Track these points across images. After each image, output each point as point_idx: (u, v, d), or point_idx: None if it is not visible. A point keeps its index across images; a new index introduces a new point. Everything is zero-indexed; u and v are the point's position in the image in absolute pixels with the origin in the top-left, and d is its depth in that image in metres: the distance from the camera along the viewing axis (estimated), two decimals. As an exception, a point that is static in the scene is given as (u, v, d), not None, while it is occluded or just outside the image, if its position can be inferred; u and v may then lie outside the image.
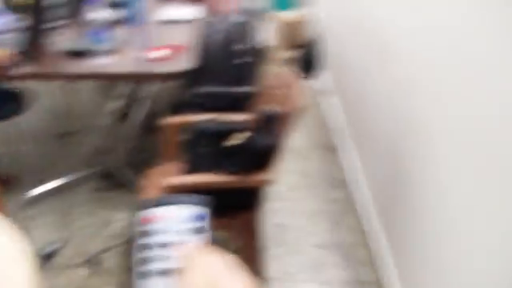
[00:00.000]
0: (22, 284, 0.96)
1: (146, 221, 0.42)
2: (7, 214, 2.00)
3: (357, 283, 2.25)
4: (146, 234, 0.41)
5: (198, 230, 0.41)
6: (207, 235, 0.42)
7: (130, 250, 2.43)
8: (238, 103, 2.39)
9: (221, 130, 1.85)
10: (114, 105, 2.90)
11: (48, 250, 2.38)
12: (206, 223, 0.42)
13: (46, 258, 2.34)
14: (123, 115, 3.58)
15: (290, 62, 2.89)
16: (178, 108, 2.64)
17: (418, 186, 1.91)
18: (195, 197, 0.43)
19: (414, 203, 1.96)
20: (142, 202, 0.43)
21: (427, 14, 1.81)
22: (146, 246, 0.41)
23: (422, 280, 1.84)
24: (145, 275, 0.40)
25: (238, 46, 2.32)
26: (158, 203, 0.42)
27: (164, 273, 0.40)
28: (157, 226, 0.41)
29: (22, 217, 2.64)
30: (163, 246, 0.41)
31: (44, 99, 3.62)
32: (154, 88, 3.93)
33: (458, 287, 1.53)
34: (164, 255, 0.40)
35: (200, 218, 0.42)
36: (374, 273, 2.31)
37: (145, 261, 0.40)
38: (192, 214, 0.42)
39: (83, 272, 2.29)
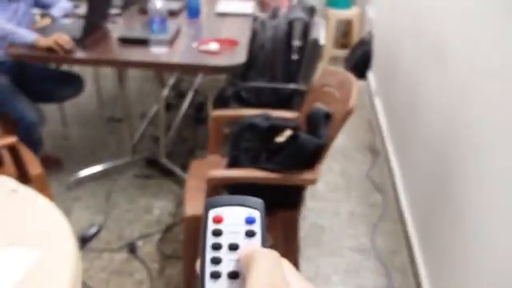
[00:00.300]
0: (63, 266, 1.00)
1: (218, 220, 0.42)
2: (51, 196, 2.07)
3: (391, 290, 2.23)
4: (217, 233, 0.41)
5: (252, 233, 0.42)
6: (261, 238, 0.42)
7: (166, 238, 2.47)
8: (285, 100, 2.41)
9: (269, 126, 1.85)
10: (162, 94, 2.95)
11: (88, 232, 2.44)
12: (258, 226, 0.42)
13: (85, 240, 2.40)
14: (168, 105, 3.65)
15: (342, 61, 2.88)
16: (223, 101, 2.67)
17: (459, 198, 1.87)
18: (252, 199, 0.43)
19: (453, 214, 1.92)
20: (212, 199, 0.44)
21: (486, 17, 1.77)
22: (218, 246, 0.41)
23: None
24: (216, 276, 0.40)
25: (294, 43, 2.32)
26: (226, 202, 0.43)
27: (233, 275, 0.40)
28: (226, 226, 0.42)
29: (64, 198, 2.72)
30: (233, 247, 0.41)
31: (92, 84, 3.72)
32: (199, 80, 3.98)
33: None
34: (233, 257, 0.41)
35: (254, 220, 0.42)
36: (408, 281, 2.29)
37: (217, 261, 0.41)
38: (248, 217, 0.42)
39: (120, 256, 2.34)
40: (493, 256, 1.55)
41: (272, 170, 1.79)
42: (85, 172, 2.90)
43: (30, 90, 2.63)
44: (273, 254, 0.40)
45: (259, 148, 1.89)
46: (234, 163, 1.94)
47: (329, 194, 2.90)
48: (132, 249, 2.36)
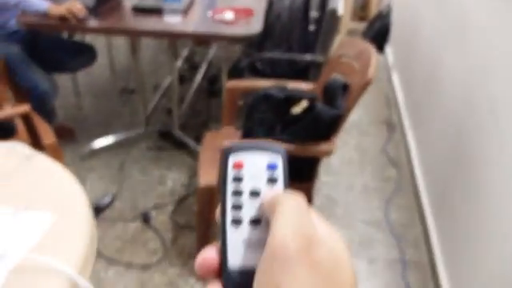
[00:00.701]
0: (79, 231, 0.99)
1: (238, 166, 0.40)
2: (64, 164, 2.07)
3: (403, 262, 2.22)
4: (238, 179, 0.40)
5: (274, 179, 0.40)
6: (283, 185, 0.40)
7: (179, 209, 2.48)
8: (301, 72, 2.37)
9: (285, 97, 1.82)
10: (175, 66, 2.92)
11: (101, 202, 2.45)
12: (280, 173, 0.40)
13: (99, 210, 2.41)
14: (182, 77, 3.62)
15: (359, 34, 2.81)
16: (238, 73, 2.64)
17: (474, 173, 1.84)
18: (274, 145, 0.41)
19: (468, 189, 1.90)
20: (231, 145, 0.42)
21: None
22: (239, 193, 0.40)
23: (468, 267, 1.79)
24: (237, 222, 0.39)
25: (311, 13, 2.27)
26: (246, 148, 0.41)
27: (255, 221, 0.39)
28: (247, 172, 0.40)
29: (77, 169, 2.73)
30: (254, 193, 0.39)
31: (105, 54, 3.69)
32: (213, 52, 3.94)
33: (505, 280, 1.49)
34: (254, 203, 0.39)
35: (276, 166, 0.40)
36: (421, 254, 2.28)
37: (238, 207, 0.39)
38: (270, 163, 0.40)
39: (134, 226, 2.35)
40: (506, 229, 1.52)
41: (287, 141, 1.76)
42: (98, 143, 2.90)
43: (42, 59, 2.61)
44: (299, 198, 0.38)
45: (274, 119, 1.86)
46: (248, 135, 1.92)
47: (343, 168, 2.88)
48: (146, 219, 2.37)
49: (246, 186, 0.40)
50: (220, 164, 0.41)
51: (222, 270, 0.38)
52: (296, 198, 0.37)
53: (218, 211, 0.40)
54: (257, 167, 0.40)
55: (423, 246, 2.32)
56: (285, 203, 0.37)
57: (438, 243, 2.19)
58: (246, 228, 0.39)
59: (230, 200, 0.40)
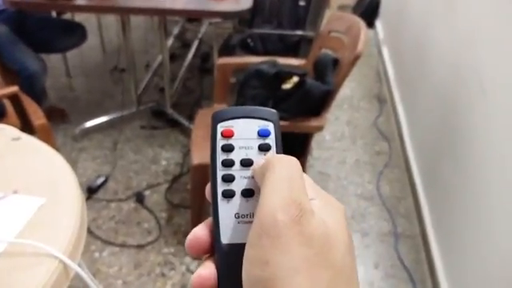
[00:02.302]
0: (69, 214, 1.00)
1: (228, 134, 0.37)
2: (55, 146, 2.06)
3: (395, 235, 2.25)
4: (227, 148, 0.37)
5: (266, 147, 0.38)
6: (276, 152, 0.39)
7: (173, 188, 2.49)
8: (292, 47, 2.35)
9: (276, 73, 1.82)
10: (166, 44, 2.90)
11: (95, 182, 2.45)
12: (272, 139, 0.38)
13: (92, 191, 2.42)
14: (173, 55, 3.60)
15: (349, 9, 2.80)
16: (229, 50, 2.62)
17: (463, 145, 1.86)
18: (265, 109, 0.39)
19: (458, 161, 1.91)
20: (220, 111, 0.39)
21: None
22: (229, 163, 0.37)
23: (458, 238, 1.82)
24: (228, 195, 0.36)
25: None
26: (235, 114, 0.38)
27: (248, 193, 0.36)
28: (237, 141, 0.38)
29: (70, 149, 2.73)
30: (246, 163, 0.37)
31: (96, 34, 3.66)
32: (204, 29, 3.91)
33: (494, 252, 1.51)
34: (246, 174, 0.37)
35: (268, 133, 0.38)
36: (413, 226, 2.31)
37: (228, 179, 0.37)
38: (261, 129, 0.38)
39: (127, 206, 2.36)
40: (494, 200, 1.54)
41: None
42: (90, 123, 2.89)
43: (31, 39, 2.58)
44: (292, 161, 0.34)
45: (266, 95, 1.86)
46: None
47: (335, 143, 2.89)
48: (139, 198, 2.38)
49: (237, 156, 0.37)
50: (210, 133, 0.39)
51: (214, 247, 0.36)
52: (288, 162, 0.34)
53: (208, 186, 0.37)
54: (247, 135, 0.38)
55: (415, 218, 2.35)
56: (275, 168, 0.33)
57: (428, 215, 2.22)
58: (238, 201, 0.36)
59: (220, 172, 0.37)
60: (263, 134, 0.38)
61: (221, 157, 0.37)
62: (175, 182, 2.52)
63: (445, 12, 2.29)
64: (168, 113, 2.97)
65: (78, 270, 0.88)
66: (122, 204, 2.37)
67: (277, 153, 0.38)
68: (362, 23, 1.79)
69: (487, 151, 1.65)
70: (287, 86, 1.78)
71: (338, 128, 3.02)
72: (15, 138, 1.21)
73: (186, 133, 2.82)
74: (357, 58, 1.66)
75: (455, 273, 1.84)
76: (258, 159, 0.37)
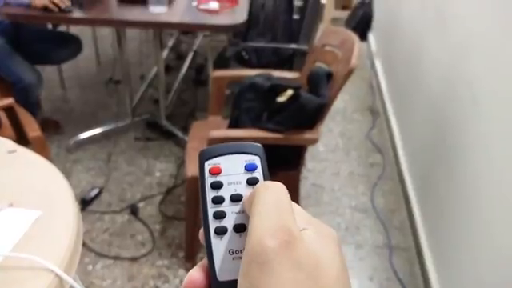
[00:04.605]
0: (64, 227, 1.00)
1: (215, 171, 0.38)
2: (50, 158, 2.05)
3: (389, 248, 2.26)
4: (216, 185, 0.37)
5: (254, 180, 0.38)
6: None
7: (167, 200, 2.49)
8: (286, 60, 2.37)
9: (270, 86, 1.83)
10: (161, 56, 2.91)
11: (88, 194, 2.45)
12: (260, 173, 0.40)
13: (86, 203, 2.41)
14: (168, 67, 3.61)
15: (342, 22, 2.83)
16: (224, 62, 2.64)
17: (456, 157, 1.87)
18: (250, 144, 0.41)
19: (450, 173, 1.93)
20: (206, 150, 0.40)
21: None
22: (219, 200, 0.37)
23: (453, 250, 1.83)
24: (221, 232, 0.36)
25: (295, 2, 2.27)
26: (221, 151, 0.40)
27: (239, 228, 0.36)
28: (225, 177, 0.38)
29: (64, 161, 2.72)
30: (235, 198, 0.37)
31: (91, 46, 3.67)
32: (199, 41, 3.93)
33: (487, 264, 1.52)
34: (236, 209, 0.37)
35: (255, 167, 0.38)
36: (407, 239, 2.32)
37: (220, 216, 0.37)
38: (248, 164, 0.38)
39: (121, 218, 2.35)
40: (488, 213, 1.55)
41: (273, 130, 1.77)
42: (85, 134, 2.89)
43: (26, 51, 2.59)
44: (279, 187, 0.34)
45: (261, 108, 1.87)
46: (235, 124, 1.93)
47: (329, 155, 2.90)
48: (133, 210, 2.38)
49: (226, 192, 0.37)
50: (198, 171, 0.39)
51: (211, 286, 0.36)
52: (275, 189, 0.34)
53: (201, 231, 0.37)
54: (235, 170, 0.38)
55: (409, 230, 2.36)
56: (262, 195, 0.33)
57: (422, 228, 2.23)
58: (231, 237, 0.36)
59: (210, 209, 0.37)
60: (250, 168, 0.39)
61: (210, 194, 0.38)
62: (169, 194, 2.52)
63: (436, 24, 2.32)
64: (162, 124, 2.98)
65: (75, 284, 0.88)
66: (116, 216, 2.36)
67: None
68: (355, 37, 1.81)
69: (480, 163, 1.67)
70: (282, 98, 1.79)
71: (332, 140, 3.03)
72: (11, 150, 1.21)
73: (181, 144, 2.83)
74: (351, 71, 1.68)
75: (449, 285, 1.85)
76: (247, 193, 0.37)
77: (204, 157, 0.39)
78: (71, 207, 1.06)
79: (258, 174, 0.39)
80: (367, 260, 2.19)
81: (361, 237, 2.32)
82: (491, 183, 1.57)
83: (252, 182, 0.38)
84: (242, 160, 0.39)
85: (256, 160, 0.39)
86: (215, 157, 0.39)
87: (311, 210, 2.45)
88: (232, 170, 0.38)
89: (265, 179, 0.38)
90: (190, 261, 2.09)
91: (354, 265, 2.16)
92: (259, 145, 0.40)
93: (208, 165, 0.38)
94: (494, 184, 1.54)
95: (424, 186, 2.33)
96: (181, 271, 2.07)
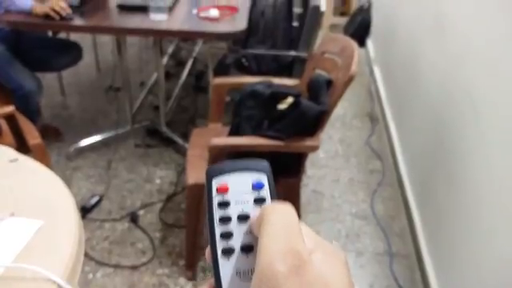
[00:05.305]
0: (67, 236, 1.00)
1: (222, 189, 0.38)
2: (50, 166, 2.05)
3: (390, 255, 2.25)
4: (223, 204, 0.37)
5: (261, 200, 0.38)
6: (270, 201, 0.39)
7: (167, 207, 2.48)
8: (286, 67, 2.38)
9: (271, 93, 1.84)
10: (161, 62, 2.92)
11: (89, 202, 2.44)
12: (267, 191, 0.39)
13: (86, 210, 2.40)
14: (168, 74, 3.62)
15: (341, 28, 2.84)
16: (224, 69, 2.64)
17: (455, 163, 1.88)
18: (257, 162, 0.40)
19: (450, 178, 1.93)
20: (213, 167, 0.40)
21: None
22: (226, 219, 0.37)
23: (453, 257, 1.83)
24: (228, 252, 0.36)
25: (295, 10, 2.28)
26: (228, 169, 0.40)
27: (247, 249, 0.36)
28: (233, 196, 0.38)
29: (64, 168, 2.72)
30: (242, 218, 0.37)
31: (91, 53, 3.67)
32: (198, 48, 3.94)
33: (488, 270, 1.52)
34: (244, 229, 0.37)
35: (261, 185, 0.39)
36: (407, 245, 2.31)
37: (227, 235, 0.36)
38: (255, 182, 0.38)
39: (122, 226, 2.35)
40: (488, 219, 1.56)
41: (274, 137, 1.77)
42: (85, 142, 2.89)
43: (26, 58, 2.59)
44: (287, 209, 0.34)
45: (261, 116, 1.87)
46: (235, 131, 1.93)
47: (329, 162, 2.90)
48: (134, 218, 2.37)
49: (234, 211, 0.37)
50: (206, 189, 0.39)
51: None
52: (283, 211, 0.34)
53: (207, 250, 0.37)
54: (242, 189, 0.38)
55: (409, 237, 2.36)
56: (271, 217, 0.33)
57: (423, 234, 2.23)
58: (238, 258, 0.36)
59: (218, 229, 0.37)
60: (257, 186, 0.38)
61: (218, 213, 0.37)
62: (169, 202, 2.52)
63: (434, 31, 2.33)
64: (162, 131, 2.98)
65: (76, 294, 0.88)
66: (116, 224, 2.36)
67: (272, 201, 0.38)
68: (354, 44, 1.82)
69: (480, 169, 1.67)
70: (282, 106, 1.79)
71: (332, 146, 3.04)
72: (12, 159, 1.21)
73: (181, 151, 2.83)
74: (351, 79, 1.68)
75: (450, 292, 1.85)
76: (255, 213, 0.36)
77: (211, 174, 0.38)
78: (73, 216, 1.06)
79: (266, 192, 0.38)
80: (368, 267, 2.19)
81: (361, 244, 2.32)
82: (491, 189, 1.57)
83: (259, 201, 0.38)
84: (249, 178, 0.38)
85: (263, 178, 0.39)
86: (222, 174, 0.38)
87: (311, 217, 2.45)
88: (239, 188, 0.38)
89: (272, 197, 0.38)
90: (190, 269, 2.08)
91: (355, 272, 2.16)
92: (266, 163, 0.39)
93: (215, 183, 0.38)
94: (494, 190, 1.55)
95: (423, 193, 2.33)
96: (181, 280, 2.07)
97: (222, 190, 0.38)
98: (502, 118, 1.53)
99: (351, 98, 3.53)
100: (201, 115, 3.21)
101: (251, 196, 0.38)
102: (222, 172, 0.39)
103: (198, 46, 3.95)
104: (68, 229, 1.01)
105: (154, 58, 3.03)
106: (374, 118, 3.37)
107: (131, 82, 3.08)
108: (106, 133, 2.96)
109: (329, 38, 2.08)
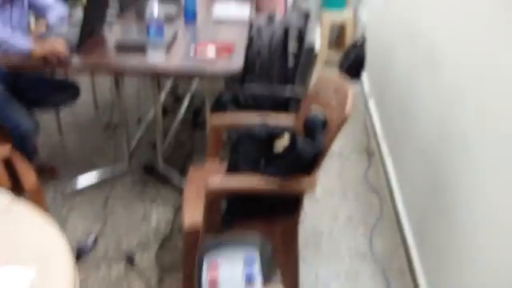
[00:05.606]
0: (60, 279, 0.99)
1: (213, 268, 0.39)
2: (45, 206, 2.04)
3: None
4: (214, 284, 0.38)
5: (253, 277, 0.39)
6: (262, 279, 0.39)
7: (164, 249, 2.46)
8: (282, 104, 2.40)
9: (267, 135, 1.85)
10: (159, 99, 2.94)
11: (84, 244, 2.41)
12: (258, 266, 0.39)
13: (82, 253, 2.38)
14: (165, 110, 3.64)
15: (336, 63, 2.88)
16: (221, 106, 2.66)
17: (452, 198, 1.88)
18: (249, 237, 0.40)
19: (446, 216, 1.93)
20: (204, 245, 0.40)
21: (477, 21, 1.77)
22: None
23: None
24: None
25: (290, 50, 2.32)
26: (218, 246, 0.40)
27: None
28: (223, 275, 0.39)
29: (60, 207, 2.70)
30: None
31: (89, 90, 3.70)
32: (196, 84, 3.97)
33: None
34: None
35: (253, 261, 0.39)
36: (406, 284, 2.29)
37: None
38: (247, 258, 0.39)
39: (117, 267, 2.32)
40: (487, 256, 1.55)
41: (271, 175, 1.77)
42: (81, 179, 2.89)
43: (23, 96, 2.60)
44: None
45: (258, 155, 1.89)
46: (233, 169, 1.93)
47: (326, 197, 2.89)
48: (130, 260, 2.34)
49: None
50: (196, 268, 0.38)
51: None
52: None
53: None
54: (233, 267, 0.37)
55: (408, 275, 2.33)
56: None
57: (421, 272, 2.21)
58: None
59: None
60: (248, 262, 0.38)
61: None
62: (166, 241, 2.50)
63: (428, 65, 2.36)
64: (160, 168, 2.98)
65: None
66: (112, 266, 2.33)
67: (263, 278, 0.37)
68: (348, 86, 1.84)
69: (474, 207, 1.67)
70: (279, 146, 1.81)
71: (329, 182, 3.03)
72: (5, 208, 1.21)
73: (178, 189, 2.82)
74: (344, 121, 1.70)
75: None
76: None
77: (203, 252, 0.38)
78: (67, 263, 1.05)
79: (256, 269, 0.37)
80: (367, 307, 2.16)
81: (360, 284, 2.29)
82: (490, 229, 1.57)
83: (250, 278, 0.37)
84: (240, 254, 0.38)
85: (254, 254, 0.38)
86: (214, 250, 0.38)
87: (309, 255, 2.43)
88: (230, 266, 0.37)
89: (263, 274, 0.37)
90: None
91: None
92: (257, 237, 0.39)
93: (206, 262, 0.38)
94: (493, 229, 1.54)
95: (421, 229, 2.32)
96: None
97: (213, 269, 0.38)
98: (496, 158, 1.54)
99: (347, 133, 3.54)
100: (198, 151, 3.22)
101: (242, 273, 0.37)
102: (213, 248, 0.39)
103: (196, 83, 3.98)
104: (62, 276, 1.01)
105: (151, 95, 3.06)
106: (371, 153, 3.37)
107: (129, 119, 3.10)
108: (103, 170, 2.96)
109: (323, 80, 2.11)
